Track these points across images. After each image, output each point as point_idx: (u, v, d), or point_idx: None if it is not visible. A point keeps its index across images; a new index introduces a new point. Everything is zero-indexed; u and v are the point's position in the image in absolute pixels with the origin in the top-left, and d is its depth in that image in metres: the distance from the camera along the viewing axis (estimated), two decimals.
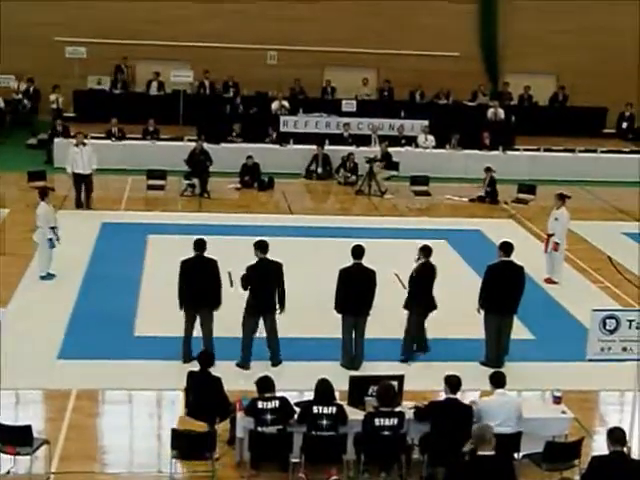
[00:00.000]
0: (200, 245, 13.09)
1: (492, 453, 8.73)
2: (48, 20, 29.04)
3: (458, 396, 10.26)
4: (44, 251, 16.19)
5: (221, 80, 30.26)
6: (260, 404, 10.09)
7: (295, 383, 11.77)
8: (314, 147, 25.21)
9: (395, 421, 10.02)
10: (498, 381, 10.43)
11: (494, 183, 23.29)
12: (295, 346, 13.39)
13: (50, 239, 16.06)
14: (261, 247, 13.03)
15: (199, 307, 13.04)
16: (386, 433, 10.00)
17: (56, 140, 24.72)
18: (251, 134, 25.69)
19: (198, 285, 12.93)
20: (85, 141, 20.94)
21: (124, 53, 29.90)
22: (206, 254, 13.09)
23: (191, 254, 13.15)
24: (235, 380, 11.92)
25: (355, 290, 13.01)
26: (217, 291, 13.08)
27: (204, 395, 10.72)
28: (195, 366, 11.37)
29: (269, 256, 12.98)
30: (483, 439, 8.77)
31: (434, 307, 13.43)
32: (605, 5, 30.26)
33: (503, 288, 13.27)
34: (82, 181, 20.74)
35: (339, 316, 13.17)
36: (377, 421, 9.99)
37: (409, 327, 13.43)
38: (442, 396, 10.42)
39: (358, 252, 13.15)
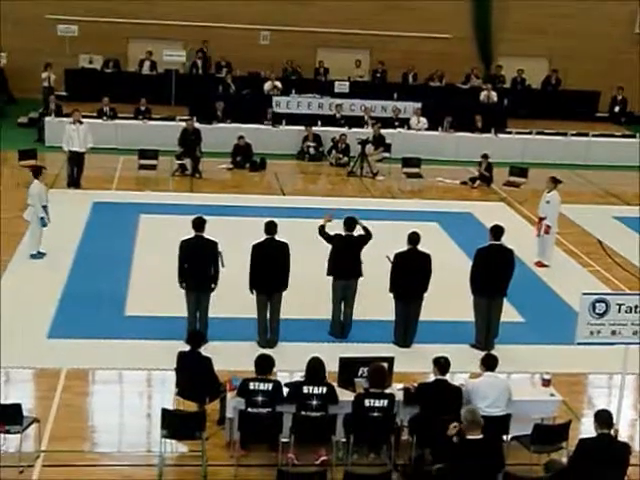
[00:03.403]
0: (199, 225, 12.92)
1: (480, 436, 8.78)
2: None
3: (447, 378, 10.31)
4: (35, 230, 16.15)
5: (214, 60, 30.16)
6: (252, 385, 10.05)
7: (285, 364, 11.75)
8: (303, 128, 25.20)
9: (385, 402, 10.03)
10: (491, 364, 10.45)
11: (491, 169, 23.31)
12: (284, 327, 13.40)
13: (42, 218, 16.02)
14: (268, 228, 13.05)
15: (200, 288, 12.93)
16: (376, 414, 10.01)
17: (47, 119, 24.62)
18: (243, 115, 25.59)
19: (198, 266, 12.85)
20: (81, 119, 20.88)
21: (116, 32, 29.72)
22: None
23: (183, 234, 13.10)
24: (225, 360, 11.88)
25: (345, 257, 13.25)
26: (216, 272, 12.96)
27: (194, 375, 10.70)
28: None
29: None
30: (473, 422, 8.81)
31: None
32: None
33: (492, 271, 13.29)
34: (77, 159, 20.68)
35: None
36: (367, 402, 10.00)
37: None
38: (431, 378, 10.45)
39: (351, 225, 13.31)
